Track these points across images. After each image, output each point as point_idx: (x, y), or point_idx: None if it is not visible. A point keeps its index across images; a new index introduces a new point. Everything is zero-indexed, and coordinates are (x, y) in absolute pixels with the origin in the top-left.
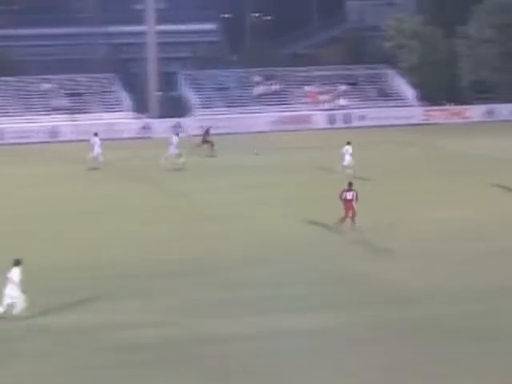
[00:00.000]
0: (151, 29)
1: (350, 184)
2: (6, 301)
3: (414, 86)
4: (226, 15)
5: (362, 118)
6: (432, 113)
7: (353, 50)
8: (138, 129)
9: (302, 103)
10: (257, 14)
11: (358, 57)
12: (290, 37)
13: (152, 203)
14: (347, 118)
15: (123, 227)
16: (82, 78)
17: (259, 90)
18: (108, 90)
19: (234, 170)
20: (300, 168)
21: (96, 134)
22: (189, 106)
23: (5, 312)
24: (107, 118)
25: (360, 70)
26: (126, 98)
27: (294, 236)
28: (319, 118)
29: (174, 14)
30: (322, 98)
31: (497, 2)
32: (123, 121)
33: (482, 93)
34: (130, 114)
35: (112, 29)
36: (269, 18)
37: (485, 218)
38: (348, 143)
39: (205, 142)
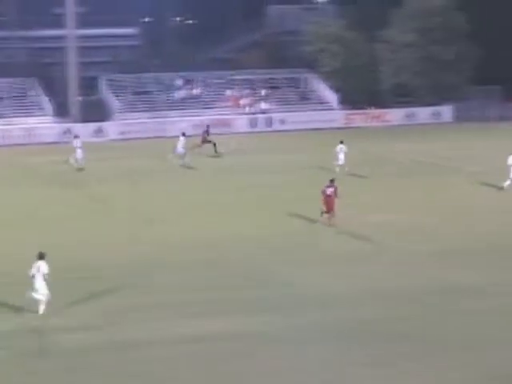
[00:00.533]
0: (71, 33)
1: (332, 180)
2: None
3: (336, 90)
4: (147, 19)
5: (284, 121)
6: (353, 116)
7: (274, 55)
8: (59, 133)
9: (224, 107)
10: (178, 18)
11: (280, 61)
12: (212, 41)
13: (90, 208)
14: (268, 122)
15: (60, 233)
16: (0, 82)
17: (181, 94)
18: (28, 94)
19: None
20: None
21: (76, 137)
22: (110, 110)
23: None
24: (27, 122)
25: (281, 74)
26: (46, 102)
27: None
28: (241, 122)
29: (94, 18)
30: (242, 102)
31: (418, 7)
32: (44, 125)
33: (403, 96)
34: (51, 118)
35: (32, 33)
36: (190, 22)
37: (424, 221)
38: (341, 142)
39: (205, 141)
